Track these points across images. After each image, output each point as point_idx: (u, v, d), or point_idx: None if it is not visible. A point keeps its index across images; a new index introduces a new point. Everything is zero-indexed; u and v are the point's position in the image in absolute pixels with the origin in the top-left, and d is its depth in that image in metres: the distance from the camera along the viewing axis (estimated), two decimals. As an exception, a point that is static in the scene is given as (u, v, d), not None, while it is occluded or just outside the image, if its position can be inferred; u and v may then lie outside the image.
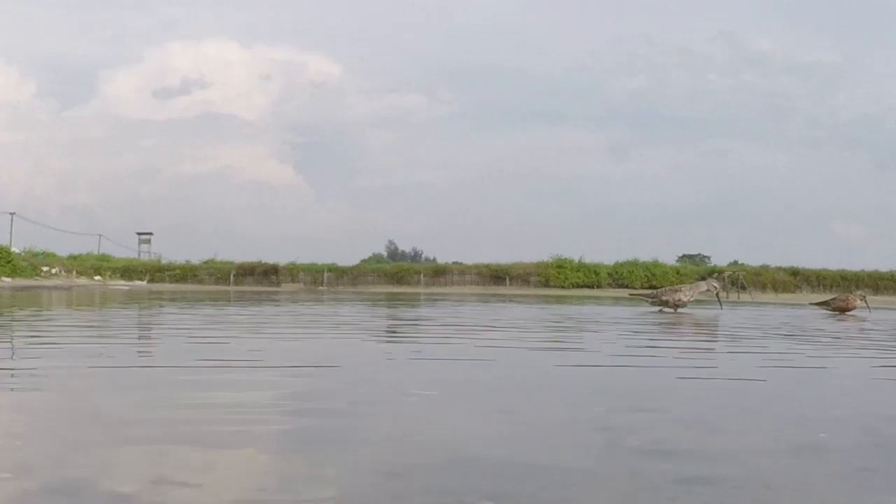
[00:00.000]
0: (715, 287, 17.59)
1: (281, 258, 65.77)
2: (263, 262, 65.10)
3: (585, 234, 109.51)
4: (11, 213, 62.32)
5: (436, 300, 27.87)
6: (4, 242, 56.15)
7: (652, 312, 15.89)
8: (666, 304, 16.72)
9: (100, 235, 74.28)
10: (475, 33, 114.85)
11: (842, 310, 17.52)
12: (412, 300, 27.77)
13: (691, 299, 16.86)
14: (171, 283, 60.14)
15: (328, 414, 3.79)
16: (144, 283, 58.86)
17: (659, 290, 18.33)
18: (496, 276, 61.93)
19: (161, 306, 17.78)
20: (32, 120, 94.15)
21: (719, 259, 70.75)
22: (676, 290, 16.91)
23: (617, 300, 25.80)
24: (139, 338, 8.80)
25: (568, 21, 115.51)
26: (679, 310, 16.50)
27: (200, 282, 61.79)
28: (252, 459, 2.95)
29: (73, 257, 64.29)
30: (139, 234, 72.74)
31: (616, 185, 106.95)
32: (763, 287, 57.98)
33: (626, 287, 59.79)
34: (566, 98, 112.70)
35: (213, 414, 3.77)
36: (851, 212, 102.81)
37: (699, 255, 76.48)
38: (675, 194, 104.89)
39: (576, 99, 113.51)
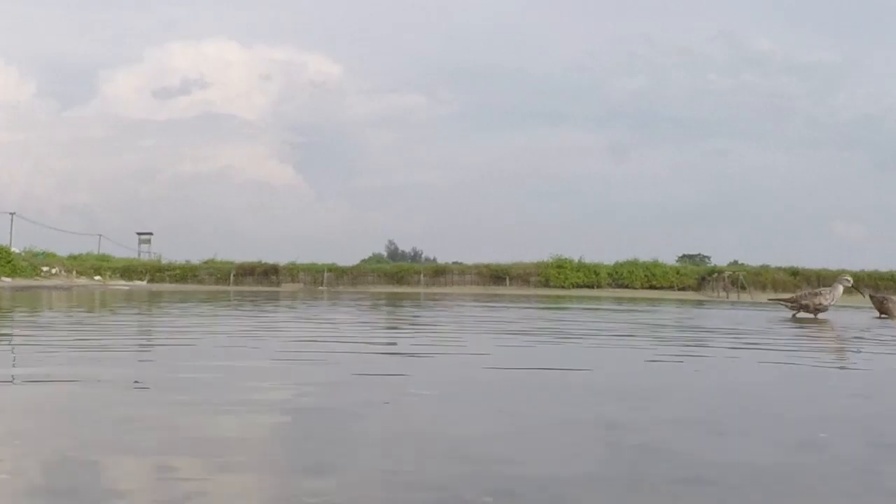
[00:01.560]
0: (847, 281, 17.21)
1: (281, 258, 65.65)
2: (263, 262, 64.89)
3: (585, 234, 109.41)
4: (11, 213, 62.25)
5: (450, 301, 27.77)
6: (4, 242, 55.97)
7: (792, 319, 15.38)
8: (806, 308, 16.33)
9: (100, 235, 74.20)
10: (475, 33, 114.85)
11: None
12: (421, 301, 27.69)
13: (832, 303, 16.39)
14: (171, 283, 59.87)
15: (328, 414, 3.79)
16: (144, 283, 58.66)
17: (798, 294, 18.12)
18: (496, 276, 61.59)
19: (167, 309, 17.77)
20: (32, 120, 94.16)
21: (719, 259, 70.64)
22: (816, 294, 16.54)
23: (761, 306, 24.82)
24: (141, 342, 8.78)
25: (568, 21, 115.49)
26: (819, 315, 16.09)
27: (200, 282, 61.55)
28: (254, 459, 2.95)
29: (73, 257, 64.10)
30: (139, 234, 72.62)
31: (616, 185, 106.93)
32: (763, 287, 57.76)
33: (627, 287, 59.71)
34: (566, 98, 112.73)
35: (216, 418, 3.78)
36: (851, 212, 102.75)
37: (699, 255, 76.40)
38: (675, 194, 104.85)
39: (576, 99, 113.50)
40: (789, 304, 17.33)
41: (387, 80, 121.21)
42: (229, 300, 24.17)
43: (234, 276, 62.72)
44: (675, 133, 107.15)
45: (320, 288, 58.02)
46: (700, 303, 33.29)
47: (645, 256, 64.47)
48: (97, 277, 57.78)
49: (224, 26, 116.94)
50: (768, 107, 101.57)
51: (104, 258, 68.27)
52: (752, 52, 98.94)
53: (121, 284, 54.65)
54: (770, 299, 24.22)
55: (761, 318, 16.17)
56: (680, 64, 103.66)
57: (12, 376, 5.09)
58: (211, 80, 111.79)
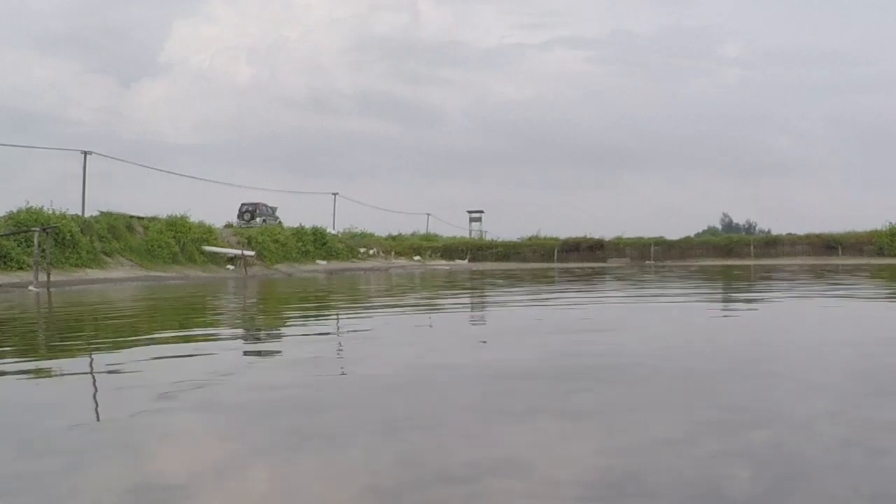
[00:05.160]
0: None
1: (606, 233, 63.67)
2: (589, 237, 63.26)
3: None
4: (334, 194, 62.53)
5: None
6: (326, 224, 55.45)
7: None
8: None
9: (427, 214, 74.51)
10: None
11: None
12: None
13: None
14: (492, 261, 59.32)
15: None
16: (465, 262, 58.27)
17: None
18: (828, 245, 57.27)
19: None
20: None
21: None
22: None
23: None
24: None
25: None
26: None
27: (524, 259, 60.61)
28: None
29: (391, 237, 64.21)
30: (469, 212, 71.91)
31: None
32: None
33: None
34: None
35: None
36: None
37: None
38: None
39: None
40: None
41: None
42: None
43: (557, 252, 61.18)
44: None
45: (647, 263, 55.41)
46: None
47: None
48: (416, 258, 57.54)
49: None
50: None
51: (427, 238, 68.23)
52: None
53: (441, 264, 54.31)
54: None
55: None
56: None
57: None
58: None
